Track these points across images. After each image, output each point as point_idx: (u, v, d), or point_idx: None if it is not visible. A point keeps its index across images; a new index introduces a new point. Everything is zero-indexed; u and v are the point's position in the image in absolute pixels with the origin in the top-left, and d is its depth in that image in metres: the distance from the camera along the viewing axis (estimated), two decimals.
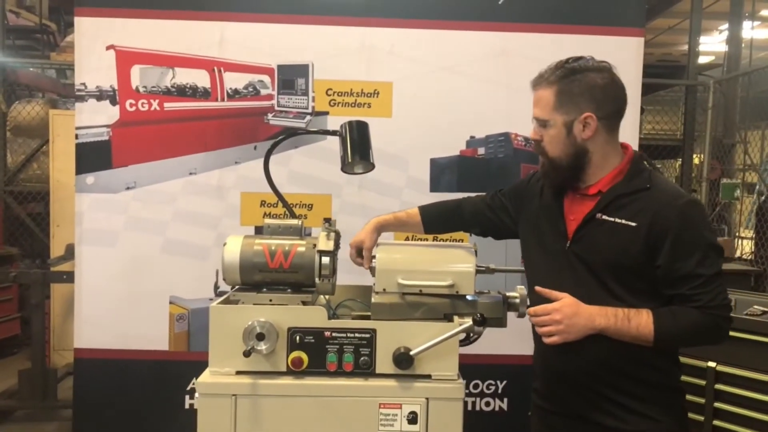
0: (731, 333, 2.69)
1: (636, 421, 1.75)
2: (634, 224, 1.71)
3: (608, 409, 1.77)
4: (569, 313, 1.70)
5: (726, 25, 8.43)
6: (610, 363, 1.75)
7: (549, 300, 1.74)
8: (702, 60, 8.12)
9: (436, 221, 2.17)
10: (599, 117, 1.75)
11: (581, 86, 1.75)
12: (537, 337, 1.84)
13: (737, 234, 6.44)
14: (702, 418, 2.82)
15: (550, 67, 1.80)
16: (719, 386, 2.79)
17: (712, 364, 2.80)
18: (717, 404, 2.79)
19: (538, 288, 1.80)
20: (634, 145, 3.28)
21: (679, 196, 1.74)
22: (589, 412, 1.79)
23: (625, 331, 1.68)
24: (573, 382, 1.81)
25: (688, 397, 2.77)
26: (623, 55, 3.23)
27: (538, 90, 1.80)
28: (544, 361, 1.91)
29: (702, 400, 2.81)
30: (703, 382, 2.82)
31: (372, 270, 1.92)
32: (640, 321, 1.68)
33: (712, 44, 11.11)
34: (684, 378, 2.77)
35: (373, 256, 1.94)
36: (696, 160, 6.26)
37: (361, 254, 2.02)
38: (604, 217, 1.76)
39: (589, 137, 1.76)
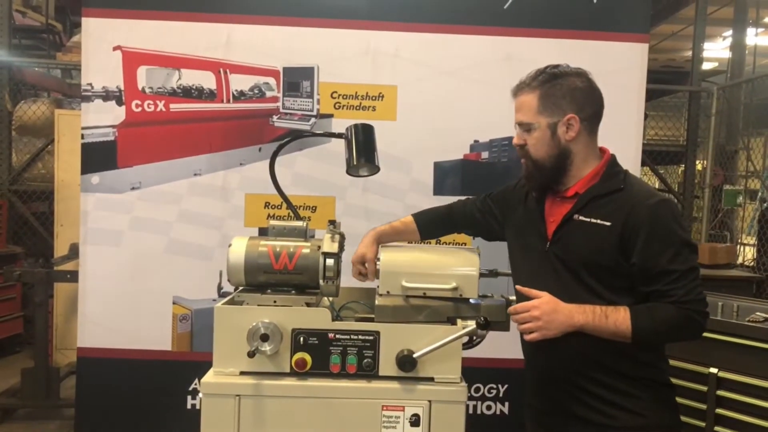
0: (733, 339, 2.73)
1: (623, 417, 1.78)
2: (608, 224, 1.77)
3: (594, 406, 1.80)
4: (548, 309, 1.74)
5: (730, 32, 8.42)
6: (592, 358, 1.78)
7: (529, 299, 1.79)
8: (706, 66, 8.12)
9: (431, 227, 2.23)
10: (581, 118, 1.82)
11: (563, 89, 1.82)
12: (523, 338, 1.86)
13: (739, 241, 6.43)
14: (704, 425, 2.82)
15: (529, 75, 1.87)
16: (721, 392, 2.79)
17: (713, 370, 2.80)
18: (718, 410, 2.79)
19: (518, 287, 1.85)
20: (638, 151, 3.30)
21: (651, 195, 1.80)
22: (577, 408, 1.82)
23: (603, 328, 1.72)
24: (557, 378, 1.84)
25: (690, 402, 2.80)
26: (627, 60, 3.25)
27: (520, 96, 1.86)
28: (532, 361, 1.95)
29: (704, 407, 2.81)
30: (704, 388, 2.82)
31: (376, 273, 1.93)
32: (617, 317, 1.72)
33: (716, 50, 11.09)
34: (685, 384, 2.81)
35: (378, 259, 1.95)
36: (699, 167, 6.26)
37: (365, 267, 2.05)
38: (581, 218, 1.82)
39: (573, 138, 1.82)
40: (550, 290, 1.78)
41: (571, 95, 1.81)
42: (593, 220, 1.79)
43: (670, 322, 1.72)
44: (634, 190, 1.81)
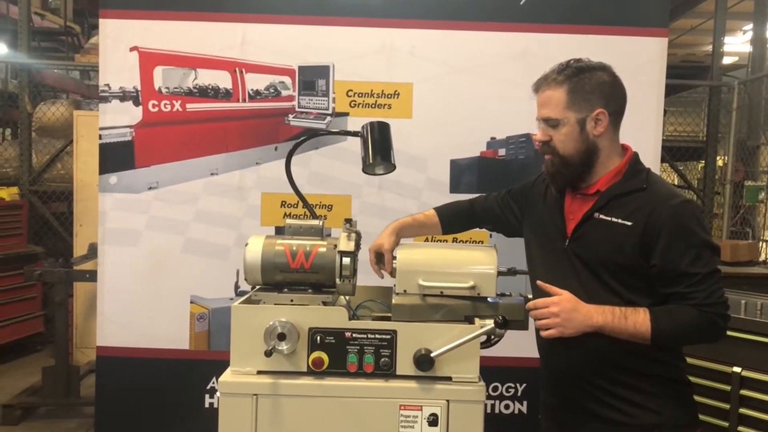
0: (757, 338, 2.68)
1: (641, 415, 1.76)
2: (630, 223, 1.74)
3: (612, 404, 1.78)
4: (568, 307, 1.72)
5: (750, 26, 8.30)
6: (609, 357, 1.76)
7: (548, 295, 1.77)
8: (726, 61, 8.01)
9: (453, 221, 2.22)
10: (609, 113, 1.79)
11: (591, 83, 1.78)
12: (539, 335, 1.85)
13: (762, 237, 6.33)
14: (726, 424, 2.77)
15: (553, 70, 1.83)
16: (744, 392, 2.74)
17: (737, 369, 2.75)
18: (742, 410, 2.74)
19: (539, 282, 1.82)
20: (657, 147, 3.25)
21: (674, 196, 1.77)
22: (594, 406, 1.80)
23: (622, 329, 1.70)
24: (574, 376, 1.82)
25: (713, 402, 2.76)
26: (646, 55, 3.20)
27: (546, 91, 1.81)
28: (548, 359, 1.93)
29: (727, 406, 2.77)
30: (728, 388, 2.77)
31: (393, 271, 1.92)
32: (637, 319, 1.70)
33: (736, 45, 10.93)
34: (708, 383, 2.77)
35: (394, 257, 1.94)
36: (719, 162, 6.18)
37: (380, 259, 2.04)
38: (602, 216, 1.79)
39: (601, 133, 1.80)
40: (568, 288, 1.76)
41: (600, 89, 1.78)
42: (614, 219, 1.77)
43: (691, 325, 1.69)
44: (657, 190, 1.78)
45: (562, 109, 1.79)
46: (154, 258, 3.27)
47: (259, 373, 1.74)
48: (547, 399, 1.98)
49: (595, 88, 1.78)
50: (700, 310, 1.68)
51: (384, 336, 1.73)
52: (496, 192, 2.21)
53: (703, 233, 1.73)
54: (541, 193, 2.00)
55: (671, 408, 1.77)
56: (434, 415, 1.70)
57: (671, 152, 5.99)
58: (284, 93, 3.26)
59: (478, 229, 2.33)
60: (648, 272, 1.73)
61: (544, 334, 1.74)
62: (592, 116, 1.78)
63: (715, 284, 1.70)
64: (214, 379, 3.26)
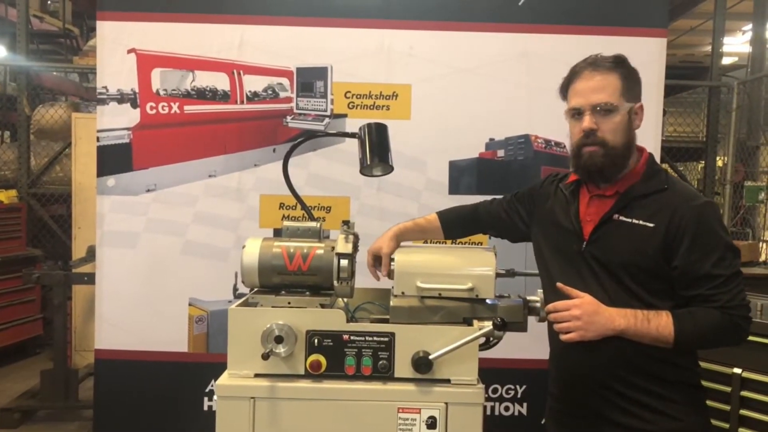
0: (757, 339, 2.67)
1: (659, 421, 1.72)
2: (651, 225, 1.71)
3: (630, 409, 1.74)
4: (590, 310, 1.68)
5: (750, 26, 8.30)
6: (631, 361, 1.72)
7: (568, 298, 1.73)
8: (725, 61, 8.01)
9: (455, 226, 2.18)
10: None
11: (635, 75, 1.77)
12: (554, 339, 1.82)
13: (761, 238, 6.32)
14: (727, 426, 2.76)
15: (597, 57, 1.78)
16: (745, 393, 2.73)
17: (737, 370, 2.75)
18: (742, 411, 2.73)
19: (559, 284, 1.77)
20: (657, 147, 3.25)
21: (696, 197, 1.74)
22: (611, 412, 1.76)
23: (644, 333, 1.67)
24: (594, 382, 1.78)
25: (713, 403, 2.75)
26: (646, 56, 3.19)
27: (600, 74, 1.74)
28: (563, 363, 1.88)
29: (727, 408, 2.76)
30: (728, 389, 2.76)
31: (391, 273, 1.90)
32: (659, 322, 1.66)
33: (736, 45, 10.93)
34: (709, 384, 2.74)
35: (392, 260, 1.92)
36: (719, 163, 6.17)
37: (378, 262, 2.02)
38: (622, 218, 1.75)
39: (638, 128, 1.77)
40: (588, 291, 1.72)
41: (639, 83, 1.78)
42: (635, 221, 1.73)
43: (715, 328, 1.66)
44: (678, 191, 1.75)
45: (618, 96, 1.73)
46: (153, 260, 3.27)
47: (257, 376, 1.73)
48: (558, 403, 1.92)
49: (638, 81, 1.77)
50: (723, 312, 1.65)
51: (382, 338, 1.72)
52: (500, 196, 2.17)
53: (725, 235, 1.70)
54: (549, 195, 1.96)
55: (689, 414, 1.74)
56: (433, 417, 1.69)
57: (671, 153, 5.98)
58: (282, 95, 3.25)
59: (483, 233, 2.29)
60: (669, 274, 1.69)
61: (564, 338, 1.70)
62: (635, 108, 1.76)
63: (737, 287, 1.67)
64: (212, 382, 3.25)
